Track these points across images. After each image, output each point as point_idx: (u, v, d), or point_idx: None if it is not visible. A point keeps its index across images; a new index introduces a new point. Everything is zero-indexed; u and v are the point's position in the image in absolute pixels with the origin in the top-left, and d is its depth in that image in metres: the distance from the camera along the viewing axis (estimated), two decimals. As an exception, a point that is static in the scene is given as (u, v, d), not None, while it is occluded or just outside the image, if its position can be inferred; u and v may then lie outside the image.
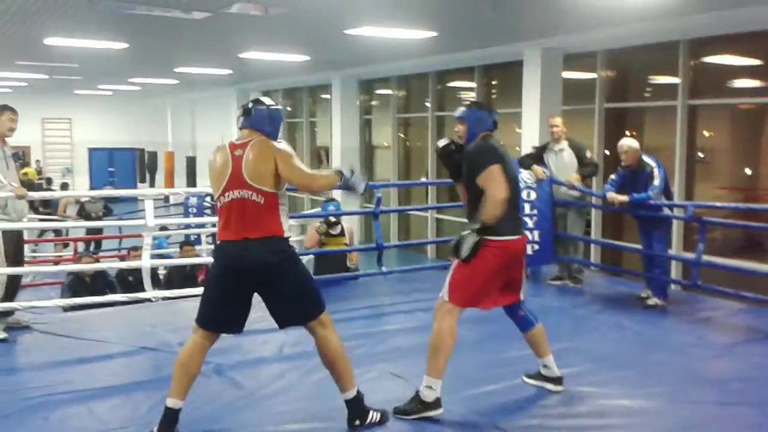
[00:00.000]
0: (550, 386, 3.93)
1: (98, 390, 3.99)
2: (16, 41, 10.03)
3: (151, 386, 3.99)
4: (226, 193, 3.33)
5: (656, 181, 5.81)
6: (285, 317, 3.43)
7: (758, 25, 7.81)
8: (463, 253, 3.53)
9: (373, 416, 3.44)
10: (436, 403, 3.54)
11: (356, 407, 3.43)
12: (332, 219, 6.87)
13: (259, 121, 3.43)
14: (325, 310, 3.42)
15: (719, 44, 8.84)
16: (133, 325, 5.42)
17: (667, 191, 6.02)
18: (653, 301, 5.93)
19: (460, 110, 3.83)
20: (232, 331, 3.48)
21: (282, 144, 3.46)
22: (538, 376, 3.98)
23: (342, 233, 6.98)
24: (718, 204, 7.08)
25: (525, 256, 3.83)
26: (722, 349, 4.87)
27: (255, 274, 3.30)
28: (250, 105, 3.48)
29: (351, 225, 7.35)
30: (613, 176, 6.18)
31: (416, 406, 3.53)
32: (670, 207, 6.13)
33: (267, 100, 3.52)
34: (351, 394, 3.42)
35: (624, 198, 5.93)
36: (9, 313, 5.14)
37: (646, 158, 5.94)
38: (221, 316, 3.40)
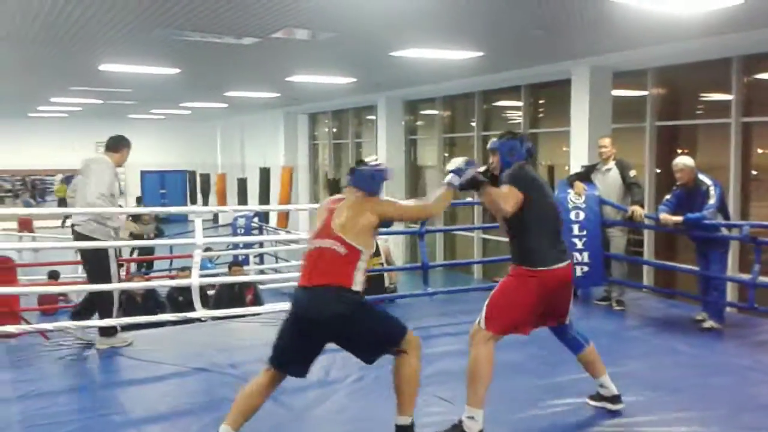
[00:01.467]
0: (609, 405, 3.89)
1: (149, 412, 4.05)
2: (72, 67, 10.40)
3: (201, 408, 4.04)
4: (314, 241, 3.44)
5: (712, 200, 5.67)
6: (368, 356, 3.44)
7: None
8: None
9: None
10: None
11: None
12: None
13: (360, 180, 3.54)
14: (405, 334, 3.38)
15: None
16: (183, 345, 5.49)
17: (724, 210, 5.87)
18: (709, 323, 5.76)
19: (492, 141, 3.88)
20: (296, 375, 3.45)
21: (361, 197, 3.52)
22: (598, 397, 3.95)
23: (376, 253, 6.95)
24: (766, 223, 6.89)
25: (572, 282, 3.74)
26: (782, 374, 4.70)
27: (323, 326, 3.30)
28: (355, 165, 3.64)
29: (387, 243, 7.29)
30: (668, 196, 6.05)
31: None
32: (727, 227, 5.95)
33: (371, 160, 3.67)
34: (406, 420, 3.37)
35: (678, 218, 5.80)
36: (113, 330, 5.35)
37: (702, 177, 5.80)
38: (288, 358, 3.41)
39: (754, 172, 9.01)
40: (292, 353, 3.39)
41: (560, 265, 3.61)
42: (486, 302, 3.60)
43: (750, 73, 8.77)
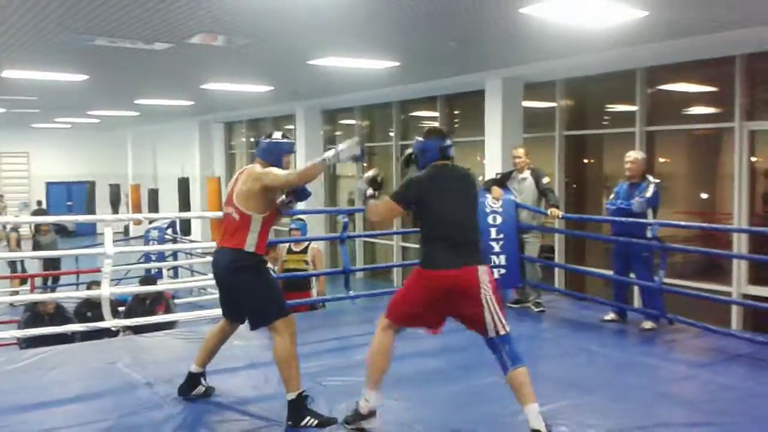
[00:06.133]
0: None
1: None
2: (-28, 74, 9.85)
3: (112, 426, 3.86)
4: (224, 207, 3.97)
5: (648, 193, 5.82)
6: (251, 321, 3.92)
7: (711, 53, 8.07)
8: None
9: (309, 420, 3.73)
10: (370, 414, 3.67)
11: (294, 409, 3.75)
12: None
13: (261, 152, 3.98)
14: (281, 318, 3.78)
15: (675, 72, 9.09)
16: (94, 362, 5.23)
17: (656, 212, 6.00)
18: (649, 324, 5.94)
19: (414, 140, 3.94)
20: (234, 320, 4.06)
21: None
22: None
23: (304, 251, 6.99)
24: (682, 223, 7.20)
25: (476, 291, 3.51)
26: (689, 370, 4.91)
27: (222, 279, 3.92)
28: (260, 138, 4.04)
29: (319, 248, 7.35)
30: (615, 188, 6.24)
31: (353, 417, 3.70)
32: (646, 226, 5.92)
33: (275, 134, 4.01)
34: (292, 396, 3.76)
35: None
36: None
37: (649, 176, 6.00)
38: (223, 308, 4.09)
39: (658, 181, 9.40)
40: (223, 303, 4.04)
41: (451, 269, 3.53)
42: None
43: (653, 85, 9.19)
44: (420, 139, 3.85)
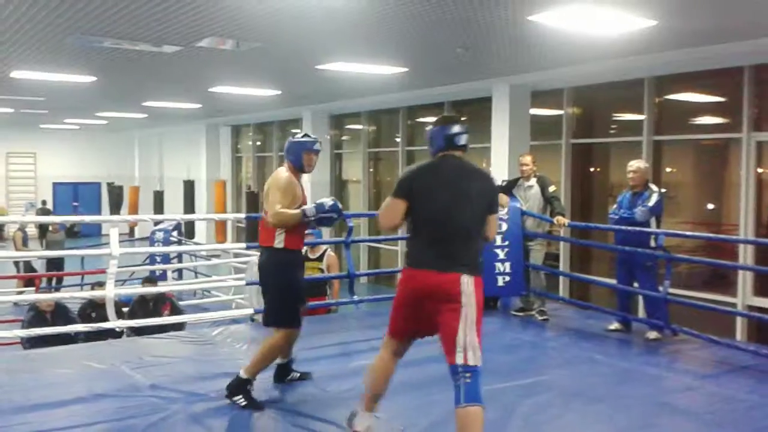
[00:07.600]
0: None
1: None
2: (-19, 74, 9.90)
3: (114, 428, 3.85)
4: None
5: (650, 202, 5.79)
6: (264, 313, 4.30)
7: (720, 63, 8.06)
8: None
9: (240, 399, 4.02)
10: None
11: (236, 385, 4.06)
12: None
13: (285, 151, 4.29)
14: (284, 328, 4.09)
15: (683, 82, 9.08)
16: (96, 363, 5.23)
17: (659, 220, 5.99)
18: (653, 334, 5.91)
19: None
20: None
21: (282, 173, 4.17)
22: None
23: (320, 258, 7.04)
24: (688, 233, 7.17)
25: (445, 295, 3.19)
26: (693, 381, 4.88)
27: (259, 273, 4.30)
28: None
29: (334, 255, 7.37)
30: (619, 198, 6.21)
31: (349, 422, 3.59)
32: (647, 234, 5.90)
33: (298, 135, 4.33)
34: (244, 375, 4.05)
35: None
36: None
37: (651, 185, 5.98)
38: None
39: (663, 190, 9.39)
40: None
41: (431, 270, 3.23)
42: None
43: (661, 94, 9.18)
44: (429, 128, 3.50)
